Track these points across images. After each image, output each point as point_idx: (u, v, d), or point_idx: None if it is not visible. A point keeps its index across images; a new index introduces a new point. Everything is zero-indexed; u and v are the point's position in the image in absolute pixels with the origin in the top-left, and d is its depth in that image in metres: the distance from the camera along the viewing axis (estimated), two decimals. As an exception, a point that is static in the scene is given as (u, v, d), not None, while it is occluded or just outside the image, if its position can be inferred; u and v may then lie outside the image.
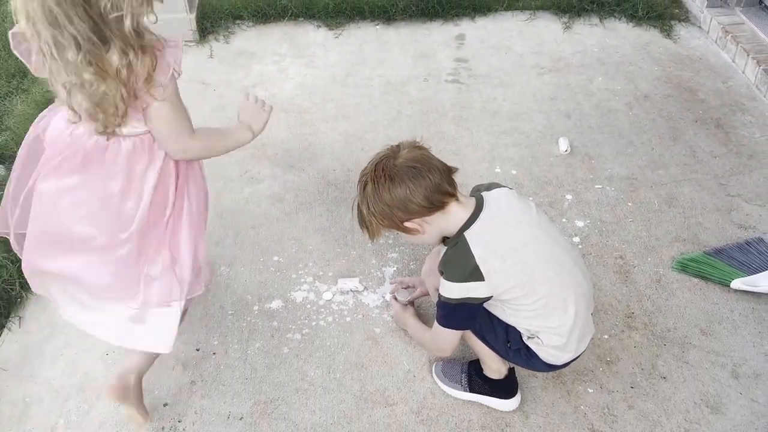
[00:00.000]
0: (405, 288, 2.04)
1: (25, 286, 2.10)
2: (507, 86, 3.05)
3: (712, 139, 2.70)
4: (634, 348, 1.93)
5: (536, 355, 1.60)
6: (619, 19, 3.54)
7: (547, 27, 3.50)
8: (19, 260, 2.12)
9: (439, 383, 1.83)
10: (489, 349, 1.70)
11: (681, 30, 3.45)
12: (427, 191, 1.51)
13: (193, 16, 3.34)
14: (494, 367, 1.74)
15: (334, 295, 2.10)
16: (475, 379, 1.78)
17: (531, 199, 2.41)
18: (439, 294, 1.56)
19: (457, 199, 1.55)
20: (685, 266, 2.15)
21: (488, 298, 1.53)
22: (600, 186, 2.48)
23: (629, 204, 2.40)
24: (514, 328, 1.60)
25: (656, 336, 1.96)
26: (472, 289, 1.50)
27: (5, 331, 2.01)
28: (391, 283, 2.11)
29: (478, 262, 1.47)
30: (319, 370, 1.88)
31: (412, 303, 2.00)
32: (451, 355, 1.71)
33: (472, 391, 1.78)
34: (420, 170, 1.51)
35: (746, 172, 2.53)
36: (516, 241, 1.52)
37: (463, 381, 1.79)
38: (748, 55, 3.04)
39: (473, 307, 1.54)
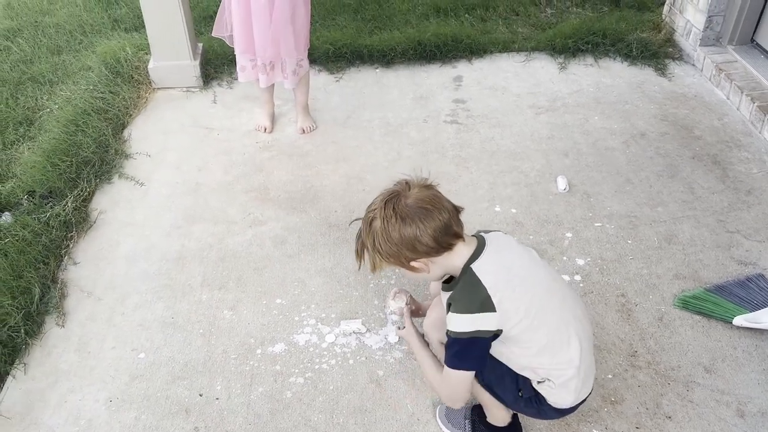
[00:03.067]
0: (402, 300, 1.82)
1: (29, 332, 2.11)
2: (505, 126, 3.10)
3: (710, 175, 2.73)
4: (638, 387, 1.92)
5: (546, 401, 1.58)
6: (614, 59, 3.61)
7: (542, 68, 3.57)
8: (24, 308, 2.15)
9: (443, 428, 1.82)
10: (491, 399, 1.68)
11: (675, 68, 3.51)
12: (437, 233, 1.49)
13: (197, 62, 3.41)
14: (498, 415, 1.72)
15: (336, 337, 2.10)
16: (479, 426, 1.77)
17: (531, 237, 2.44)
18: (448, 332, 1.52)
19: (464, 240, 1.54)
20: (686, 303, 2.16)
21: (498, 333, 1.50)
22: (599, 224, 2.50)
23: (629, 241, 2.42)
24: (524, 377, 1.57)
25: (660, 375, 1.95)
26: (483, 320, 1.47)
27: (9, 378, 2.01)
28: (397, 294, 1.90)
29: (490, 291, 1.46)
30: (322, 414, 1.88)
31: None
32: (464, 404, 1.64)
33: (475, 437, 1.77)
34: (431, 211, 1.49)
35: (745, 208, 2.56)
36: (521, 274, 1.53)
37: (466, 427, 1.78)
38: (742, 93, 3.10)
39: (484, 341, 1.51)
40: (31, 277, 2.25)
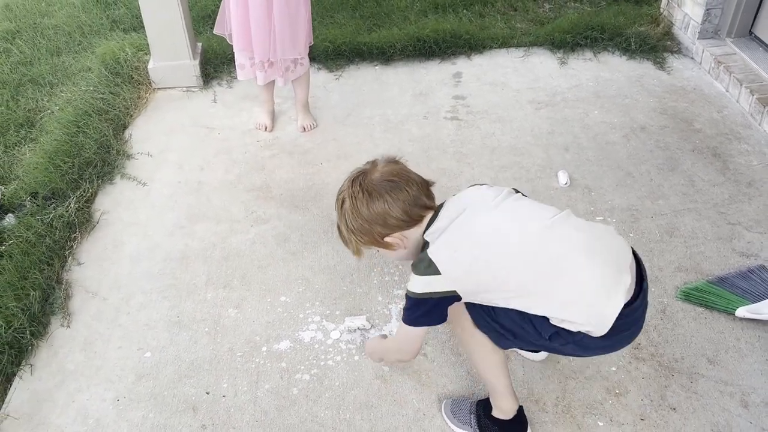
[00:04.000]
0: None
1: (36, 333, 2.12)
2: (505, 122, 3.11)
3: (710, 168, 2.74)
4: (642, 379, 1.93)
5: (577, 332, 1.47)
6: (613, 53, 3.62)
7: (541, 63, 3.57)
8: (29, 309, 2.16)
9: (449, 423, 1.82)
10: (502, 386, 1.70)
11: (674, 62, 3.52)
12: (406, 205, 1.52)
13: (197, 62, 3.41)
14: (504, 407, 1.73)
15: (341, 334, 2.11)
16: (484, 420, 1.77)
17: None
18: (407, 291, 1.55)
19: (434, 211, 1.57)
20: (689, 295, 2.17)
21: (453, 293, 1.49)
22: (601, 218, 2.51)
23: (631, 235, 2.43)
24: (539, 319, 1.49)
25: (664, 366, 1.96)
26: (430, 283, 1.48)
27: (16, 379, 2.02)
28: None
29: (432, 256, 1.47)
30: (328, 411, 1.89)
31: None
32: (411, 359, 1.79)
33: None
34: (398, 183, 1.53)
35: (745, 200, 2.57)
36: (473, 230, 1.49)
37: (472, 422, 1.79)
38: (741, 85, 3.10)
39: (435, 302, 1.51)
40: (36, 278, 2.25)
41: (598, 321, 1.44)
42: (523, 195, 1.65)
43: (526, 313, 1.51)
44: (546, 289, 1.47)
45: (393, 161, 1.60)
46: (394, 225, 1.54)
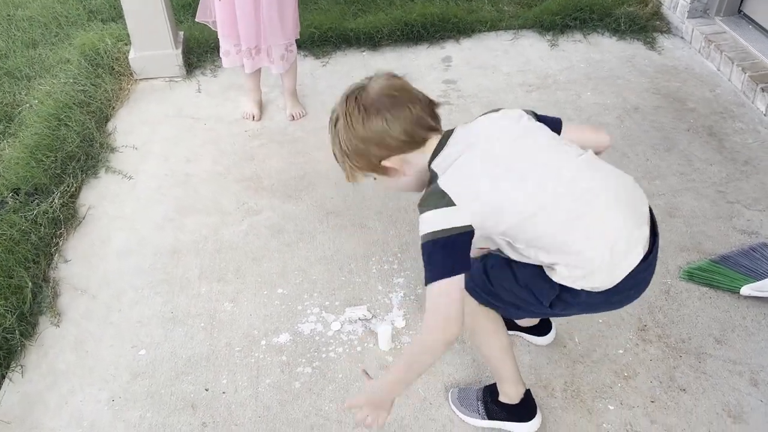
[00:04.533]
0: None
1: (25, 333, 2.04)
2: (496, 105, 3.04)
3: (706, 147, 2.72)
4: (650, 361, 1.90)
5: (577, 291, 1.36)
6: (603, 34, 3.58)
7: (531, 45, 3.53)
8: (17, 309, 2.07)
9: (457, 412, 1.78)
10: (508, 371, 1.66)
11: (664, 41, 3.50)
12: (407, 124, 1.33)
13: (179, 51, 3.32)
14: (510, 392, 1.69)
15: (342, 324, 2.06)
16: (492, 406, 1.73)
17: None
18: (421, 240, 1.32)
19: (440, 134, 1.38)
20: (692, 275, 2.14)
21: (469, 229, 1.29)
22: (600, 199, 2.48)
23: (630, 216, 2.40)
24: (537, 287, 1.41)
25: (671, 347, 1.94)
26: (446, 215, 1.28)
27: (6, 381, 1.94)
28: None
29: (443, 187, 1.30)
30: (333, 403, 1.84)
31: None
32: (457, 334, 1.30)
33: (490, 418, 1.74)
34: (399, 99, 1.34)
35: (743, 178, 2.55)
36: (486, 166, 1.32)
37: (480, 409, 1.75)
38: (732, 63, 3.09)
39: (455, 239, 1.28)
40: (23, 276, 2.17)
41: (612, 271, 1.34)
42: (538, 118, 1.50)
43: (524, 283, 1.42)
44: (567, 229, 1.32)
45: (393, 75, 1.39)
46: (394, 146, 1.34)
